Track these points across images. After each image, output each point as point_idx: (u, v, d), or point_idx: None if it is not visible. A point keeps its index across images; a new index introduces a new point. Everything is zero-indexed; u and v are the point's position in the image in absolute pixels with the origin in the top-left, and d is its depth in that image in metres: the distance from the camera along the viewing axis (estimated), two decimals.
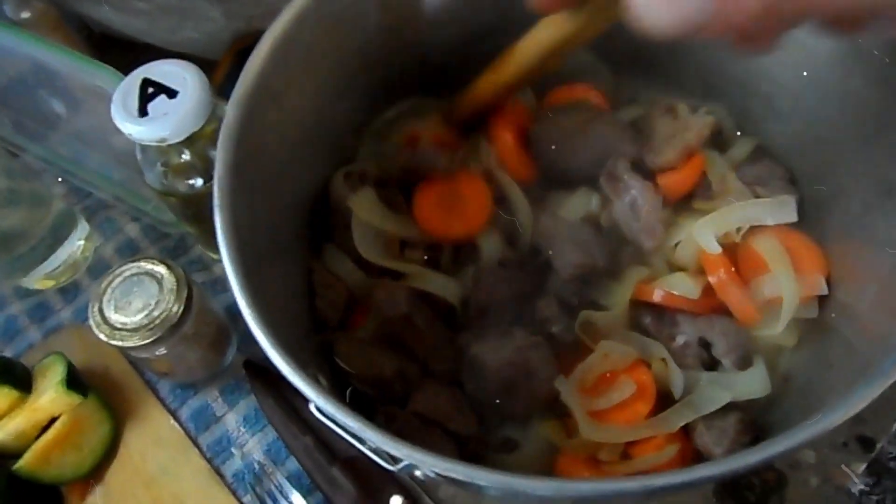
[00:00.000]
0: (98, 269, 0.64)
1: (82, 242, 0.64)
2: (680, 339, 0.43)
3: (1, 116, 0.69)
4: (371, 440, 0.28)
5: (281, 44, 0.38)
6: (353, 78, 0.45)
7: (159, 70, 0.45)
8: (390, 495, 0.49)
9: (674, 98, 0.49)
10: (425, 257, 0.45)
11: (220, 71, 0.64)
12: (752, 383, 0.41)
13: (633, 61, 0.49)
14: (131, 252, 0.65)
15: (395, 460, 0.29)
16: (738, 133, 0.50)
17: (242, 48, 0.66)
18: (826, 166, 0.44)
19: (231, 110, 0.36)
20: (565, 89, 0.51)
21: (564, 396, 0.40)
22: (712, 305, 0.43)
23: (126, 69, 0.54)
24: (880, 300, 0.37)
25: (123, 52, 0.62)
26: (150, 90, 0.45)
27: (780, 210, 0.44)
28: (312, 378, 0.30)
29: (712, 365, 0.42)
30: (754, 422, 0.42)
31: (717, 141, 0.49)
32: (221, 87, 0.62)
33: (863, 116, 0.40)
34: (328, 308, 0.42)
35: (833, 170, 0.44)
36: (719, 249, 0.43)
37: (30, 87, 0.65)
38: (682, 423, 0.40)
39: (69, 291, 0.63)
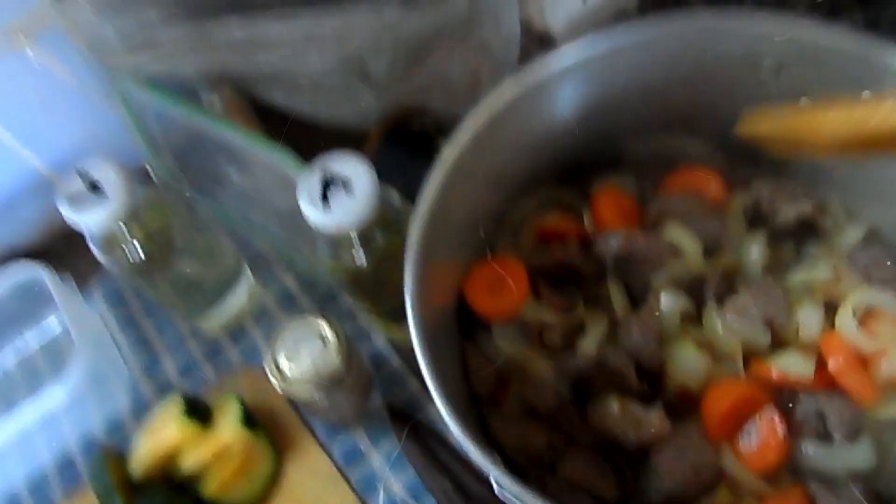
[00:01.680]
0: (260, 314, 0.73)
1: (248, 290, 0.73)
2: (799, 412, 0.46)
3: (181, 175, 0.80)
4: None
5: (454, 158, 0.45)
6: (501, 178, 0.51)
7: (336, 163, 0.53)
8: None
9: (783, 183, 0.52)
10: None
11: (371, 144, 0.72)
12: (858, 456, 0.44)
13: (744, 148, 0.53)
14: (289, 300, 0.73)
15: None
16: (851, 218, 0.53)
17: (391, 123, 0.74)
18: None
19: (420, 212, 0.44)
20: (687, 172, 0.55)
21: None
22: (828, 381, 0.47)
23: (287, 138, 0.63)
24: None
25: (286, 123, 0.72)
26: (329, 181, 0.52)
27: None
28: (490, 455, 0.36)
29: (827, 436, 0.46)
30: (879, 495, 0.45)
31: (826, 225, 0.52)
32: (372, 160, 0.70)
33: None
34: (480, 384, 0.49)
35: None
36: (862, 335, 0.46)
37: (210, 153, 0.75)
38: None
39: (237, 334, 0.72)
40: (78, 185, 0.56)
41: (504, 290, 0.50)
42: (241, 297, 0.72)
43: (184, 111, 0.67)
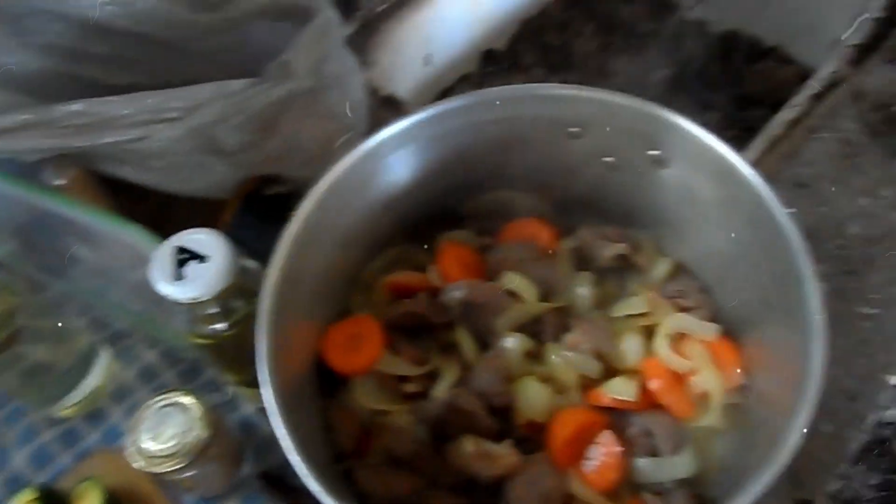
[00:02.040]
0: (120, 393, 0.71)
1: (105, 371, 0.71)
2: (631, 431, 0.52)
3: (26, 256, 0.77)
4: None
5: (298, 229, 0.48)
6: (350, 240, 0.55)
7: (190, 238, 0.54)
8: None
9: (602, 228, 0.59)
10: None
11: (228, 212, 0.73)
12: (680, 465, 0.50)
13: (568, 201, 0.60)
14: (151, 376, 0.72)
15: None
16: (660, 255, 0.60)
17: (246, 191, 0.75)
18: (729, 280, 0.55)
19: (268, 283, 0.46)
20: (521, 223, 0.61)
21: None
22: (653, 401, 0.53)
23: (140, 213, 0.63)
24: (783, 381, 0.46)
25: (139, 197, 0.72)
26: (183, 256, 0.53)
27: (708, 330, 0.54)
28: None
29: (656, 451, 0.51)
30: (702, 497, 0.50)
31: (641, 262, 0.59)
32: (229, 227, 0.72)
33: (746, 250, 0.50)
34: (345, 440, 0.51)
35: (735, 283, 0.54)
36: (676, 357, 0.53)
37: (58, 234, 0.73)
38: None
39: (95, 417, 0.69)
40: None
41: (360, 347, 0.53)
42: (97, 377, 0.70)
43: (27, 193, 0.65)
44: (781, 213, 0.46)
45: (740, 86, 1.11)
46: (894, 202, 0.78)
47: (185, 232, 0.55)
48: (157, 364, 0.73)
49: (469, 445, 0.48)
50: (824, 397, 0.65)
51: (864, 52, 0.93)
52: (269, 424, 0.67)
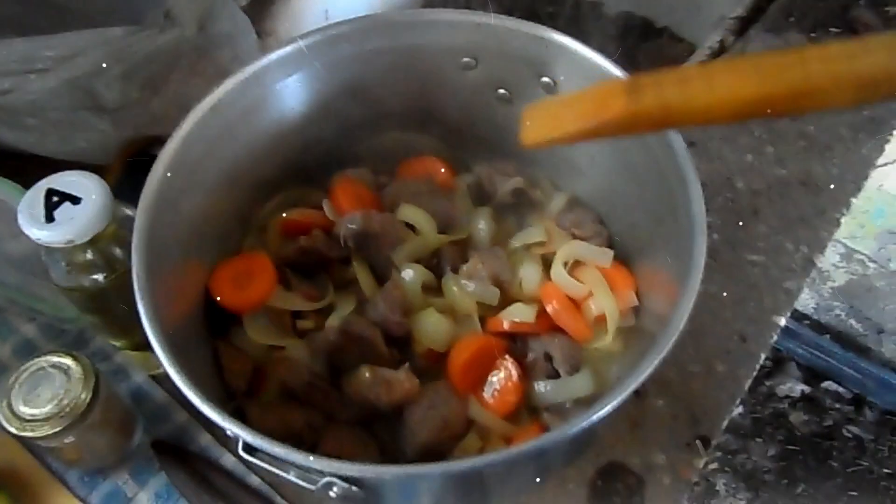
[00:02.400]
0: None
1: None
2: (531, 356, 0.52)
3: None
4: (297, 461, 0.35)
5: (174, 156, 0.46)
6: (237, 178, 0.53)
7: (62, 181, 0.51)
8: None
9: (498, 164, 0.59)
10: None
11: (112, 175, 0.69)
12: (578, 385, 0.51)
13: (463, 139, 0.60)
14: (29, 351, 0.67)
15: (317, 477, 0.35)
16: (555, 189, 0.61)
17: (131, 154, 0.72)
18: (621, 209, 0.56)
19: (139, 218, 0.43)
20: (417, 161, 0.61)
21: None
22: (551, 325, 0.53)
23: (21, 180, 0.59)
24: (664, 297, 0.47)
25: (16, 165, 0.67)
26: (55, 199, 0.50)
27: (602, 256, 0.55)
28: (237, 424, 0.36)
29: (555, 374, 0.52)
30: None
31: (537, 196, 0.60)
32: (114, 190, 0.68)
33: (636, 173, 0.51)
34: (236, 379, 0.48)
35: (627, 211, 0.56)
36: (571, 281, 0.53)
37: None
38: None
39: None
40: None
41: (250, 283, 0.51)
42: None
43: None
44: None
45: (634, 63, 1.16)
46: (776, 158, 0.82)
47: (57, 174, 0.52)
48: (37, 338, 0.68)
49: (366, 372, 0.46)
50: (718, 339, 0.68)
51: (745, 24, 0.98)
52: (161, 392, 0.64)
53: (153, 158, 0.71)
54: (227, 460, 0.60)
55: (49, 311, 0.67)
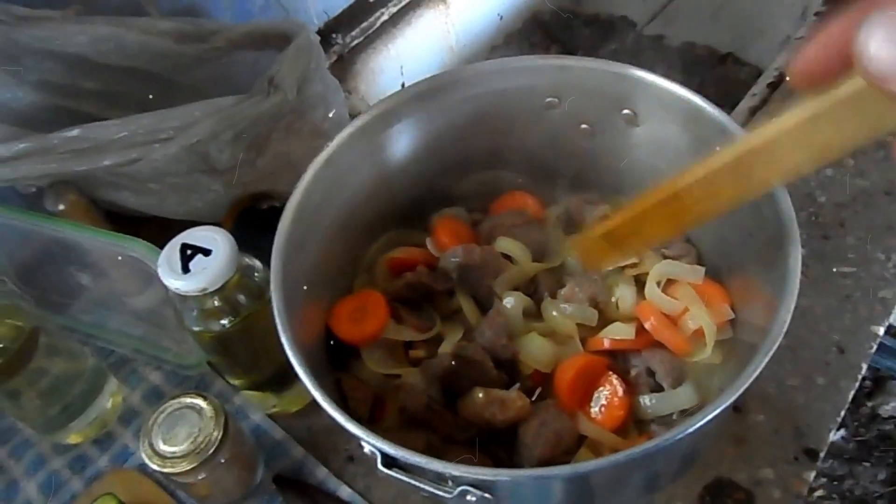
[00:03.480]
0: (128, 416, 0.71)
1: (112, 395, 0.71)
2: (633, 372, 0.54)
3: (25, 294, 0.78)
4: (438, 469, 0.38)
5: (297, 206, 0.51)
6: (348, 223, 0.57)
7: (194, 235, 0.56)
8: None
9: (584, 195, 0.63)
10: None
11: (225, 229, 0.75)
12: (682, 397, 0.52)
13: (549, 173, 0.63)
14: (157, 396, 0.72)
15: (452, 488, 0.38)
16: None
17: (240, 210, 0.78)
18: (709, 226, 0.56)
19: (274, 260, 0.48)
20: (508, 196, 0.64)
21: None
22: (650, 342, 0.55)
23: (145, 239, 0.65)
24: (760, 308, 0.49)
25: (136, 226, 0.74)
26: (189, 252, 0.56)
27: (693, 273, 0.57)
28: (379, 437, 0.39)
29: (658, 388, 0.54)
30: None
31: None
32: None
33: None
34: (359, 407, 0.52)
35: (715, 227, 0.56)
36: (666, 299, 0.55)
37: (59, 266, 0.75)
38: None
39: (103, 441, 0.70)
40: None
41: (365, 318, 0.55)
42: (104, 403, 0.70)
43: (30, 221, 0.67)
44: None
45: (701, 90, 1.18)
46: (857, 170, 0.82)
47: (189, 230, 0.57)
48: (163, 384, 0.73)
49: (480, 394, 0.49)
50: (815, 352, 0.68)
51: None
52: (279, 430, 0.68)
53: (260, 213, 0.78)
54: (344, 492, 0.63)
55: (172, 359, 0.73)
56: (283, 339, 0.44)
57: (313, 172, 0.51)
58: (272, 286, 0.47)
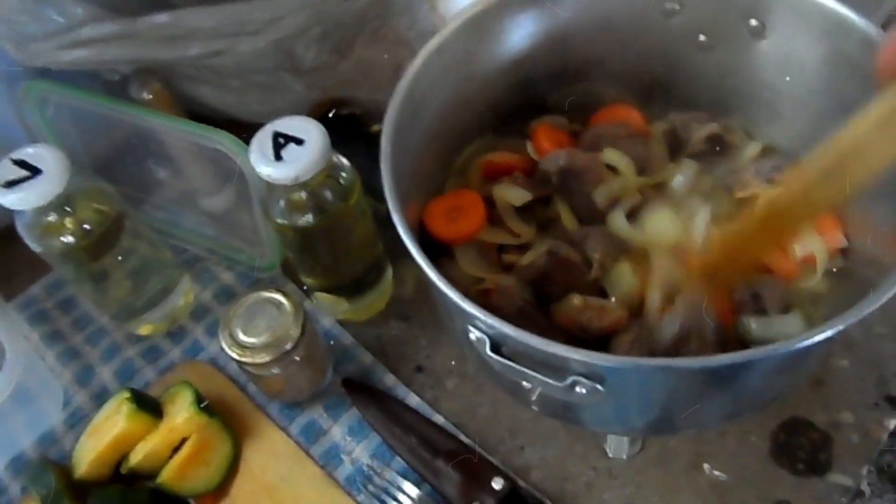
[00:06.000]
0: (200, 313, 0.71)
1: (185, 291, 0.72)
2: (737, 294, 0.52)
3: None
4: (556, 351, 0.36)
5: (405, 93, 0.49)
6: (446, 120, 0.55)
7: (286, 124, 0.55)
8: (491, 479, 0.55)
9: (692, 113, 0.60)
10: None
11: None
12: (790, 324, 0.50)
13: (656, 88, 0.60)
14: (229, 296, 0.72)
15: (563, 375, 0.37)
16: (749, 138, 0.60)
17: (317, 115, 0.76)
18: None
19: (384, 144, 0.46)
20: (612, 109, 0.62)
21: None
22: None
23: None
24: (877, 240, 0.47)
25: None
26: (281, 140, 0.54)
27: None
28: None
29: (762, 311, 0.51)
30: None
31: (734, 140, 0.60)
32: None
33: (851, 113, 0.50)
34: None
35: None
36: None
37: (138, 158, 0.74)
38: None
39: (175, 335, 0.70)
40: (11, 172, 0.55)
41: (462, 217, 0.54)
42: (178, 296, 0.70)
43: (114, 107, 0.67)
44: None
45: None
46: None
47: (281, 118, 0.56)
48: (235, 284, 0.73)
49: (576, 299, 0.48)
50: None
51: None
52: (349, 336, 0.68)
53: (337, 119, 0.76)
54: (412, 400, 0.63)
55: (245, 260, 0.73)
56: (396, 220, 0.42)
57: (423, 58, 0.49)
58: (382, 166, 0.45)
